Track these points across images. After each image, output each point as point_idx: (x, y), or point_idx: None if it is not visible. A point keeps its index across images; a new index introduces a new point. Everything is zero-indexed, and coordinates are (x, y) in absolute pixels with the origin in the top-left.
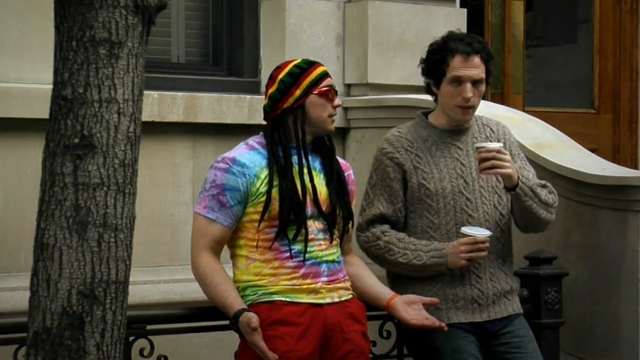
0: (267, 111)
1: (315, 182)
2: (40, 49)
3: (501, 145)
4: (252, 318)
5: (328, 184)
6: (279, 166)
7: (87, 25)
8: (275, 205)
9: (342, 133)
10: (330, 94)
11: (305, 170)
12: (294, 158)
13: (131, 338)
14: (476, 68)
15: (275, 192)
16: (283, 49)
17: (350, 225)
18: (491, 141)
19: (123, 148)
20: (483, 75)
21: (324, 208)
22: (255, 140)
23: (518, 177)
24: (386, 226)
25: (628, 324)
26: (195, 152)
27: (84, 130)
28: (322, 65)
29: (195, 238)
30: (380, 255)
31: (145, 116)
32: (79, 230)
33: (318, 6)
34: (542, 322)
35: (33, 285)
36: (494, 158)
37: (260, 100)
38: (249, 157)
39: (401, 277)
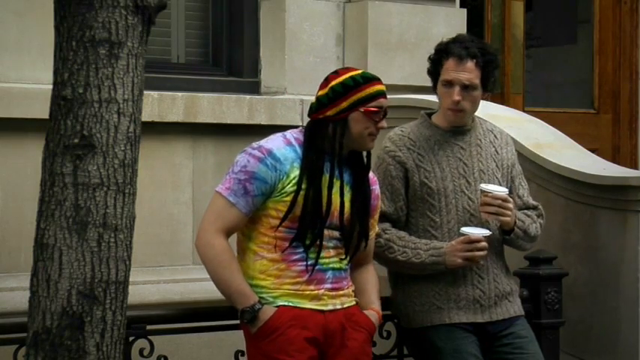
0: (313, 110)
1: (342, 196)
2: (40, 49)
3: (506, 191)
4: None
5: (353, 201)
6: (310, 171)
7: (87, 25)
8: (297, 211)
9: None
10: (377, 115)
11: (335, 181)
12: (327, 166)
13: (131, 338)
14: (467, 73)
15: (301, 198)
16: (283, 49)
17: (363, 244)
18: (494, 146)
19: (123, 148)
20: (477, 81)
21: (343, 222)
22: (293, 135)
23: (515, 222)
24: (387, 224)
25: (627, 324)
26: (195, 152)
27: (84, 130)
28: (380, 84)
29: (212, 217)
30: (380, 253)
31: (145, 116)
32: (79, 230)
33: (318, 6)
34: (542, 322)
35: (33, 285)
36: (500, 206)
37: (259, 101)
38: (285, 152)
39: (403, 277)
